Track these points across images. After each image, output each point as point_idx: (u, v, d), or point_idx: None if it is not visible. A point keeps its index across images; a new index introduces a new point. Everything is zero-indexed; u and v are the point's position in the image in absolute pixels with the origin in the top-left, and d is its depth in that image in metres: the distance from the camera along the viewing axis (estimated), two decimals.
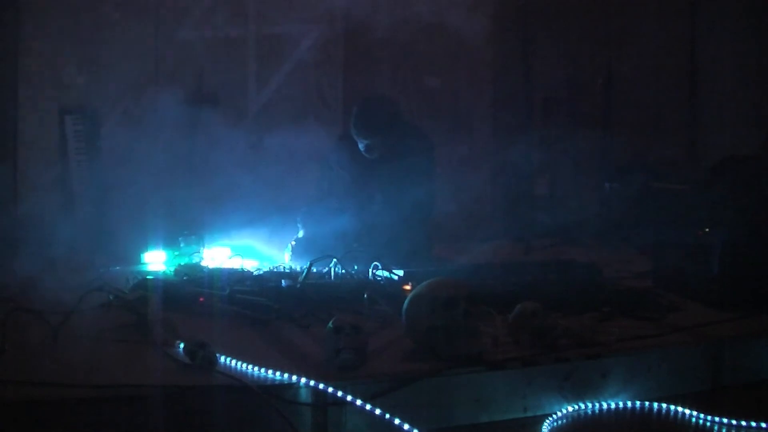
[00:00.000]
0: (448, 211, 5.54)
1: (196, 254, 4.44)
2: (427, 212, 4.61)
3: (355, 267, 3.99)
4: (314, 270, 3.85)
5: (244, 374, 2.71)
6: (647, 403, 2.96)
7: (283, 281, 3.78)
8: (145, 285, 3.59)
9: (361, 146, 4.48)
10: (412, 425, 2.56)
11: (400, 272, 3.85)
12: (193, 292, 3.59)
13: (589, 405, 2.93)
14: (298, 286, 3.68)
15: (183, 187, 5.23)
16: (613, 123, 6.25)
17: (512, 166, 6.04)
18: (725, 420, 2.85)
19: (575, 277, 4.05)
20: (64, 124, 5.14)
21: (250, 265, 4.42)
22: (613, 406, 2.94)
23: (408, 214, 4.40)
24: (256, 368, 2.74)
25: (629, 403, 2.96)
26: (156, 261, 4.52)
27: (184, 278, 3.84)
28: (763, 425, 2.81)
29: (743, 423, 2.83)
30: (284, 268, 4.37)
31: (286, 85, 5.52)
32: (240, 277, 3.93)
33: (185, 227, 4.56)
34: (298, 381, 2.63)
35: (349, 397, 2.58)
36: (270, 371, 2.71)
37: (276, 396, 2.58)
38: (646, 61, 6.34)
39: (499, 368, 2.86)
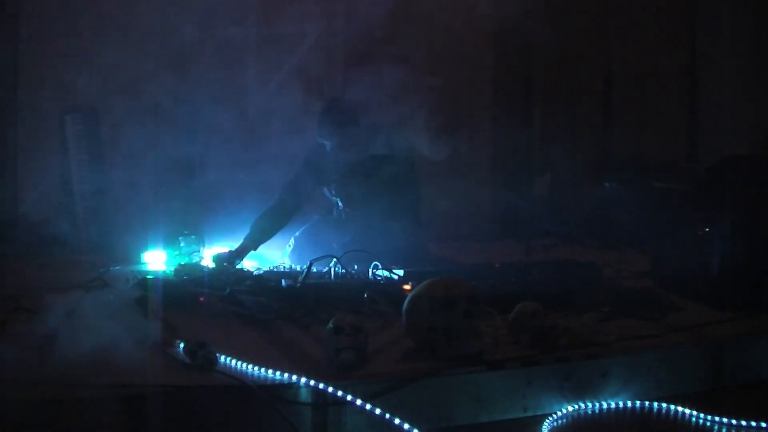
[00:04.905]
0: (448, 211, 5.55)
1: (196, 254, 4.43)
2: (412, 208, 4.63)
3: (355, 266, 4.00)
4: (314, 270, 3.85)
5: (244, 374, 2.71)
6: (647, 403, 2.96)
7: (283, 281, 3.78)
8: (145, 285, 3.59)
9: (327, 148, 4.59)
10: (412, 425, 2.56)
11: (400, 272, 3.86)
12: (193, 292, 3.59)
13: (589, 405, 2.93)
14: (298, 286, 3.68)
15: (183, 187, 5.24)
16: (613, 123, 6.25)
17: (512, 166, 6.05)
18: (725, 420, 2.85)
19: (575, 277, 4.05)
20: (64, 124, 5.14)
21: (250, 265, 4.42)
22: (613, 406, 2.95)
23: (394, 212, 4.44)
24: (256, 368, 2.74)
25: (629, 403, 2.96)
26: (156, 261, 4.52)
27: (184, 278, 3.84)
28: (763, 425, 2.81)
29: (743, 423, 2.83)
30: (284, 268, 4.38)
31: (286, 85, 5.52)
32: (240, 277, 3.93)
33: (185, 227, 4.56)
34: (298, 381, 2.63)
35: (349, 397, 2.58)
36: (270, 371, 2.71)
37: (276, 396, 2.58)
38: (646, 61, 6.34)
39: (499, 368, 2.86)
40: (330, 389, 2.59)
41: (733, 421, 2.84)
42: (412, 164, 4.65)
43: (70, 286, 3.81)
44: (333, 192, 4.69)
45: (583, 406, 2.92)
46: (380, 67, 5.02)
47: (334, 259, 3.92)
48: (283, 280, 3.79)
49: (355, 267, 4.00)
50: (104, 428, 2.46)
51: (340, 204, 4.68)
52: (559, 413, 2.87)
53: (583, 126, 6.35)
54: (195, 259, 4.39)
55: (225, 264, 4.23)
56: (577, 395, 2.93)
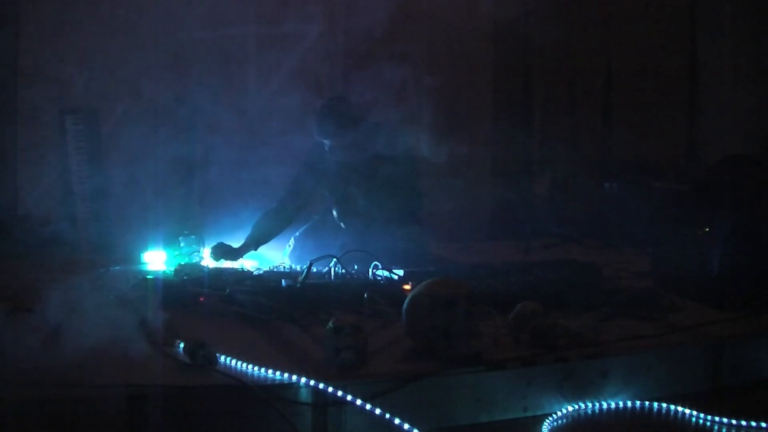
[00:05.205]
0: (448, 211, 5.55)
1: (196, 254, 4.44)
2: (413, 208, 4.63)
3: (355, 267, 4.00)
4: (314, 270, 3.85)
5: (244, 374, 2.71)
6: (647, 403, 2.96)
7: (283, 281, 3.78)
8: (145, 285, 3.59)
9: (326, 147, 4.55)
10: (412, 425, 2.56)
11: (400, 272, 3.86)
12: (193, 292, 3.59)
13: (589, 405, 2.93)
14: (298, 286, 3.68)
15: (183, 187, 5.24)
16: (613, 123, 6.25)
17: (512, 165, 6.04)
18: (725, 420, 2.85)
19: (575, 277, 4.05)
20: (64, 124, 5.14)
21: (250, 265, 4.42)
22: (613, 406, 2.95)
23: (394, 213, 4.44)
24: (256, 368, 2.74)
25: (629, 403, 2.96)
26: (156, 261, 4.52)
27: (184, 278, 3.84)
28: (763, 425, 2.81)
29: (743, 423, 2.83)
30: (284, 268, 4.38)
31: (286, 84, 5.52)
32: (240, 276, 3.93)
33: (185, 227, 4.56)
34: (298, 381, 2.63)
35: (349, 397, 2.58)
36: (270, 371, 2.71)
37: (276, 396, 2.58)
38: (646, 61, 6.34)
39: (499, 368, 2.86)
40: (330, 389, 2.59)
41: (733, 421, 2.84)
42: (414, 164, 4.64)
43: (70, 284, 3.81)
44: (332, 198, 4.69)
45: (583, 406, 2.92)
46: (380, 67, 5.03)
47: (334, 259, 3.92)
48: (283, 280, 3.78)
49: (355, 267, 4.00)
50: (104, 428, 2.46)
51: (335, 214, 4.69)
52: (559, 413, 2.87)
53: (583, 126, 6.35)
54: (195, 259, 4.40)
55: (223, 255, 4.26)
56: (577, 395, 2.93)
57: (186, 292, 3.60)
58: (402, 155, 4.51)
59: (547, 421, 2.82)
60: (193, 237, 4.49)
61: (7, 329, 2.90)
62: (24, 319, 3.10)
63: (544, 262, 4.40)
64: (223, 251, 4.37)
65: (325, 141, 4.55)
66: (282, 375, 2.67)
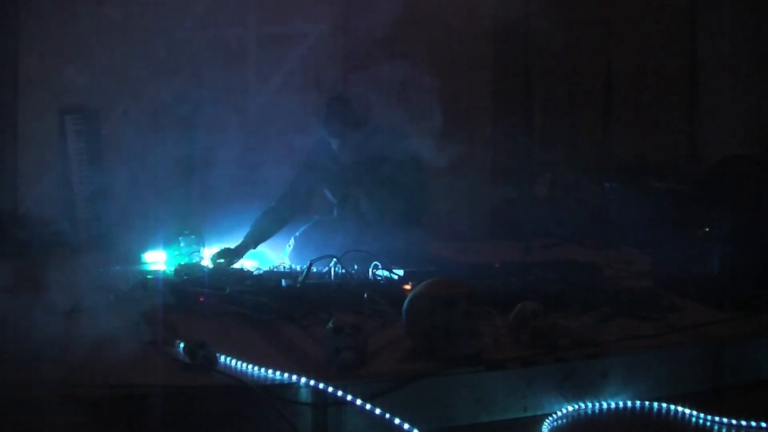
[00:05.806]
0: (448, 211, 5.55)
1: (196, 254, 4.44)
2: (420, 211, 4.63)
3: (355, 266, 4.00)
4: (314, 270, 3.85)
5: (244, 374, 2.72)
6: (647, 403, 2.96)
7: (283, 281, 3.78)
8: (145, 285, 3.59)
9: (334, 146, 4.55)
10: (412, 425, 2.56)
11: (400, 272, 3.86)
12: (193, 292, 3.59)
13: (589, 405, 2.93)
14: (298, 286, 3.68)
15: (183, 187, 5.24)
16: (613, 123, 6.25)
17: (512, 165, 6.04)
18: (725, 420, 2.85)
19: (575, 277, 4.05)
20: (64, 124, 5.14)
21: (250, 265, 4.42)
22: (613, 406, 2.95)
23: (397, 215, 4.44)
24: (256, 368, 2.74)
25: (629, 403, 2.96)
26: (156, 261, 4.52)
27: (184, 278, 3.84)
28: (763, 425, 2.81)
29: (743, 423, 2.83)
30: (284, 268, 4.38)
31: (286, 85, 5.52)
32: (240, 276, 3.93)
33: (185, 227, 4.57)
34: (298, 381, 2.64)
35: (349, 397, 2.59)
36: (270, 371, 2.71)
37: (276, 396, 2.59)
38: (646, 61, 6.34)
39: (499, 368, 2.86)
40: (330, 389, 2.59)
41: (733, 421, 2.84)
42: (420, 167, 4.63)
43: (70, 284, 3.81)
44: (333, 198, 4.68)
45: (583, 406, 2.92)
46: (381, 68, 5.03)
47: (334, 259, 3.92)
48: (283, 280, 3.79)
49: (355, 267, 4.00)
50: (104, 428, 2.46)
51: (335, 214, 4.68)
52: (559, 413, 2.87)
53: (583, 126, 6.35)
54: (195, 259, 4.40)
55: (223, 260, 4.26)
56: (577, 395, 2.93)
57: (186, 292, 3.60)
58: (406, 157, 4.50)
59: (547, 421, 2.82)
60: (193, 237, 4.50)
61: (6, 329, 2.90)
62: (24, 320, 3.10)
63: (544, 262, 4.39)
64: (223, 255, 4.36)
65: (332, 140, 4.53)
66: (282, 375, 2.67)
